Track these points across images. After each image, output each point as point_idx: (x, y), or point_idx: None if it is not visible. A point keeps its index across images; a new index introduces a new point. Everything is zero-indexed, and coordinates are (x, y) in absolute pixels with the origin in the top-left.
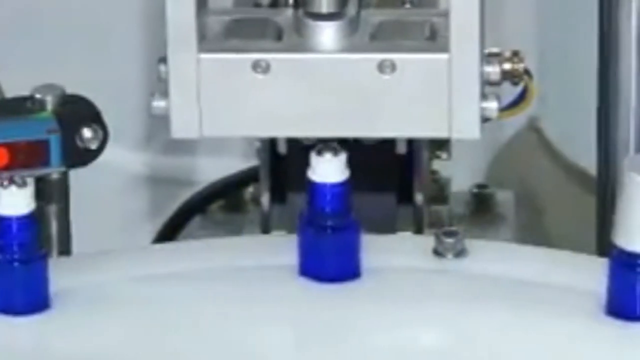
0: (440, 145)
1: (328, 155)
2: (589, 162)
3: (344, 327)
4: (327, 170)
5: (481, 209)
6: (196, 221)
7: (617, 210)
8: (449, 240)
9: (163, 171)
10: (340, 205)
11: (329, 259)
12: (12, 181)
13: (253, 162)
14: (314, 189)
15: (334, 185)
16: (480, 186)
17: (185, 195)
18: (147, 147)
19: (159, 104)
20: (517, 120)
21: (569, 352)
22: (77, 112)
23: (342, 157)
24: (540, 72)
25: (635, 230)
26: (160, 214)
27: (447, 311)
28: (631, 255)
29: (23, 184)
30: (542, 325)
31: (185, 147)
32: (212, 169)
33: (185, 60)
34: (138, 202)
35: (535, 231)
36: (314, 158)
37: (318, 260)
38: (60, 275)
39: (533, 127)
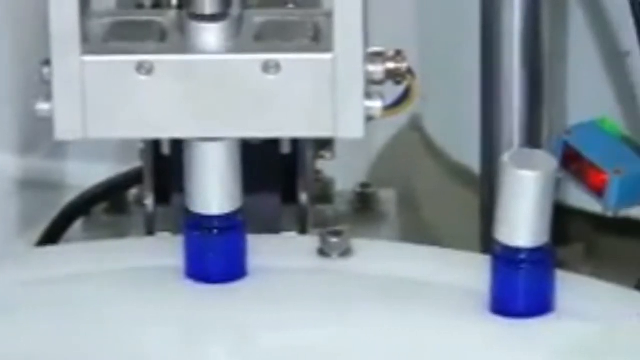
0: (324, 144)
1: None
2: (472, 160)
3: (230, 327)
4: None
5: (365, 208)
6: (79, 224)
7: (498, 205)
8: (334, 239)
9: (38, 176)
10: None
11: (215, 260)
12: None
13: (131, 164)
14: None
15: None
16: (364, 185)
17: (61, 200)
18: (23, 151)
19: (42, 106)
20: (400, 118)
21: (454, 352)
22: None
23: None
24: (423, 70)
25: (517, 225)
26: (37, 218)
27: (332, 311)
28: (513, 250)
29: None
30: (427, 325)
31: (61, 151)
32: (86, 173)
33: (69, 62)
34: (14, 207)
35: (418, 230)
36: None
37: (203, 261)
38: None
39: (415, 126)
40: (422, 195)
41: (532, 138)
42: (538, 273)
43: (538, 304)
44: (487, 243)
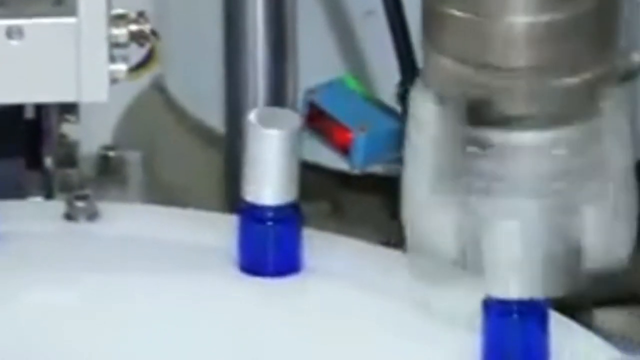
0: (69, 108)
1: None
2: (216, 120)
3: None
4: None
5: (110, 171)
6: None
7: (244, 164)
8: (80, 204)
9: None
10: None
11: None
12: None
13: None
14: None
15: None
16: (108, 148)
17: None
18: None
19: None
20: (142, 80)
21: (205, 311)
22: None
23: None
24: (163, 30)
25: (262, 184)
26: None
27: (82, 273)
28: (259, 209)
29: None
30: (176, 285)
31: None
32: None
33: None
34: None
35: (164, 191)
36: None
37: None
38: None
39: (158, 87)
40: (167, 157)
41: (277, 97)
42: (285, 231)
43: (286, 262)
44: (234, 203)
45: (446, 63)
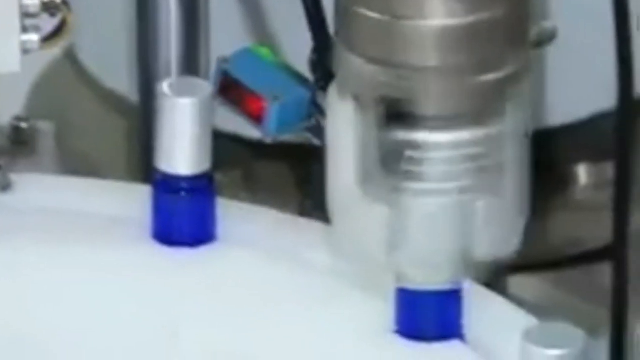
0: None
1: None
2: (129, 89)
3: None
4: None
5: (22, 141)
6: None
7: (157, 134)
8: None
9: None
10: None
11: None
12: None
13: None
14: None
15: None
16: (20, 119)
17: None
18: None
19: None
20: (54, 50)
21: (119, 282)
22: None
23: None
24: (75, 0)
25: (176, 153)
26: None
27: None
28: (173, 179)
29: None
30: (91, 255)
31: None
32: None
33: None
34: None
35: (78, 161)
36: None
37: None
38: None
39: (69, 57)
40: (79, 127)
41: (190, 66)
42: (199, 200)
43: (200, 232)
44: (147, 172)
45: (359, 63)
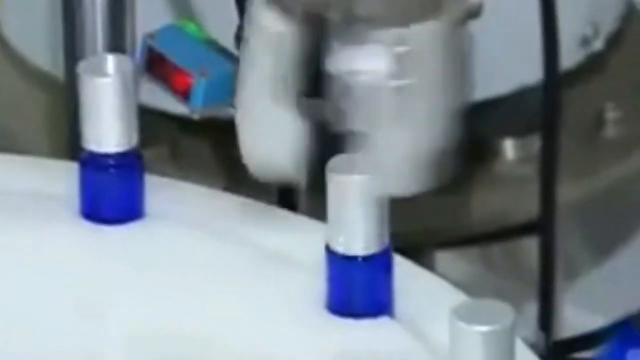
0: None
1: None
2: (54, 66)
3: None
4: None
5: None
6: None
7: (82, 113)
8: None
9: None
10: None
11: None
12: None
13: None
14: None
15: None
16: None
17: None
18: None
19: None
20: None
21: (46, 259)
22: None
23: None
24: None
25: (102, 131)
26: None
27: None
28: (101, 156)
29: None
30: (17, 233)
31: None
32: None
33: None
34: None
35: (3, 138)
36: None
37: None
38: None
39: None
40: (4, 103)
41: (115, 42)
42: (126, 178)
43: (127, 208)
44: (74, 150)
45: None
